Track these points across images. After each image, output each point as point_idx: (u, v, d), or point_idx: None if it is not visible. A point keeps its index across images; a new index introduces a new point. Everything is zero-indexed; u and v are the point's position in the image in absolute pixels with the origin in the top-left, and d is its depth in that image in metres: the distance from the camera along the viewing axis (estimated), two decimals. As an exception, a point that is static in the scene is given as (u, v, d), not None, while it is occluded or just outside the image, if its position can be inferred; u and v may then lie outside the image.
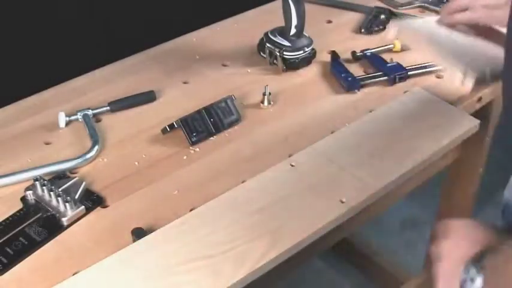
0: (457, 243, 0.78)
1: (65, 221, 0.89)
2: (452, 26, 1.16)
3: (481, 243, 0.76)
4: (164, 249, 0.82)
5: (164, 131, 1.05)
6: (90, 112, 1.10)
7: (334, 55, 1.24)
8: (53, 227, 0.89)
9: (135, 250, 0.82)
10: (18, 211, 0.92)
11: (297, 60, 1.22)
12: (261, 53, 1.27)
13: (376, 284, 1.88)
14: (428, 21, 1.22)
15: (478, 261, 0.73)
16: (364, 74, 1.19)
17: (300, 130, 1.07)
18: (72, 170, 0.99)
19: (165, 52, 1.31)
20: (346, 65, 1.21)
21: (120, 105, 1.13)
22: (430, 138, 1.01)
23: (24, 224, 0.89)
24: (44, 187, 0.92)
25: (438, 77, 1.20)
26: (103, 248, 0.84)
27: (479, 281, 0.71)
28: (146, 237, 0.84)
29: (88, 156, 1.01)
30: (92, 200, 0.93)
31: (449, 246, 0.78)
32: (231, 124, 1.08)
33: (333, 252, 1.94)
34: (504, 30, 0.77)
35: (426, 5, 1.46)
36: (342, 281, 1.92)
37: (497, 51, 0.94)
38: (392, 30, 1.21)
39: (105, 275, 0.79)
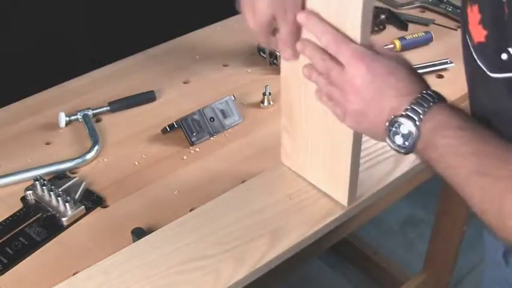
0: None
1: (65, 221, 0.89)
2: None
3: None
4: (164, 249, 0.82)
5: (164, 131, 1.05)
6: (90, 112, 1.10)
7: (334, 55, 1.24)
8: (53, 227, 0.89)
9: (135, 250, 0.82)
10: (18, 211, 0.92)
11: (297, 60, 1.22)
12: (261, 53, 1.27)
13: (376, 284, 1.88)
14: None
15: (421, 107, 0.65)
16: (364, 74, 1.19)
17: (300, 130, 1.07)
18: (72, 170, 0.99)
19: (165, 52, 1.31)
20: (346, 65, 1.21)
21: (120, 105, 1.13)
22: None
23: (24, 224, 0.89)
24: (44, 187, 0.92)
25: (438, 76, 1.20)
26: (103, 248, 0.84)
27: (415, 132, 0.64)
28: (146, 237, 0.84)
29: (88, 156, 1.01)
30: (92, 200, 0.93)
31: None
32: (231, 124, 1.08)
33: (333, 252, 1.94)
34: None
35: (426, 5, 1.46)
36: (342, 281, 1.92)
37: None
38: None
39: (105, 275, 0.79)
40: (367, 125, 0.71)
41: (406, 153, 0.67)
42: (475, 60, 0.63)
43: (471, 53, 0.64)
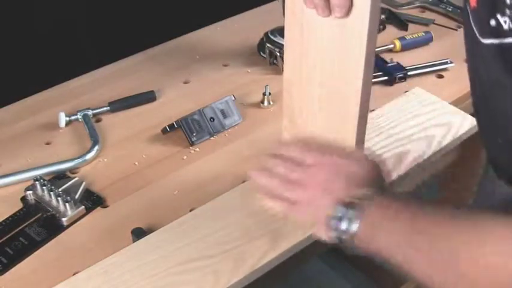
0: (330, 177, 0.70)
1: (65, 221, 0.89)
2: None
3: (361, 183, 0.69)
4: (164, 249, 0.82)
5: (164, 131, 1.05)
6: (90, 112, 1.10)
7: (334, 55, 1.24)
8: (53, 227, 0.89)
9: (135, 250, 0.82)
10: (18, 211, 0.92)
11: (297, 60, 1.22)
12: (261, 53, 1.27)
13: (376, 284, 1.88)
14: None
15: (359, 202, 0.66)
16: (364, 74, 1.19)
17: (300, 130, 1.07)
18: (72, 170, 0.99)
19: (165, 52, 1.31)
20: (346, 65, 1.21)
21: (120, 105, 1.13)
22: (429, 138, 1.01)
23: (24, 224, 0.89)
24: (44, 187, 0.92)
25: (438, 76, 1.20)
26: (103, 248, 0.84)
27: (355, 225, 0.65)
28: (146, 237, 0.84)
29: (88, 156, 1.01)
30: (92, 200, 0.93)
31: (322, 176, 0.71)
32: (231, 124, 1.08)
33: (333, 252, 1.94)
34: None
35: (426, 5, 1.46)
36: (342, 281, 1.92)
37: None
38: None
39: (105, 275, 0.79)
40: (310, 216, 0.71)
41: (349, 240, 0.67)
42: (471, 26, 0.62)
43: (469, 18, 0.63)
